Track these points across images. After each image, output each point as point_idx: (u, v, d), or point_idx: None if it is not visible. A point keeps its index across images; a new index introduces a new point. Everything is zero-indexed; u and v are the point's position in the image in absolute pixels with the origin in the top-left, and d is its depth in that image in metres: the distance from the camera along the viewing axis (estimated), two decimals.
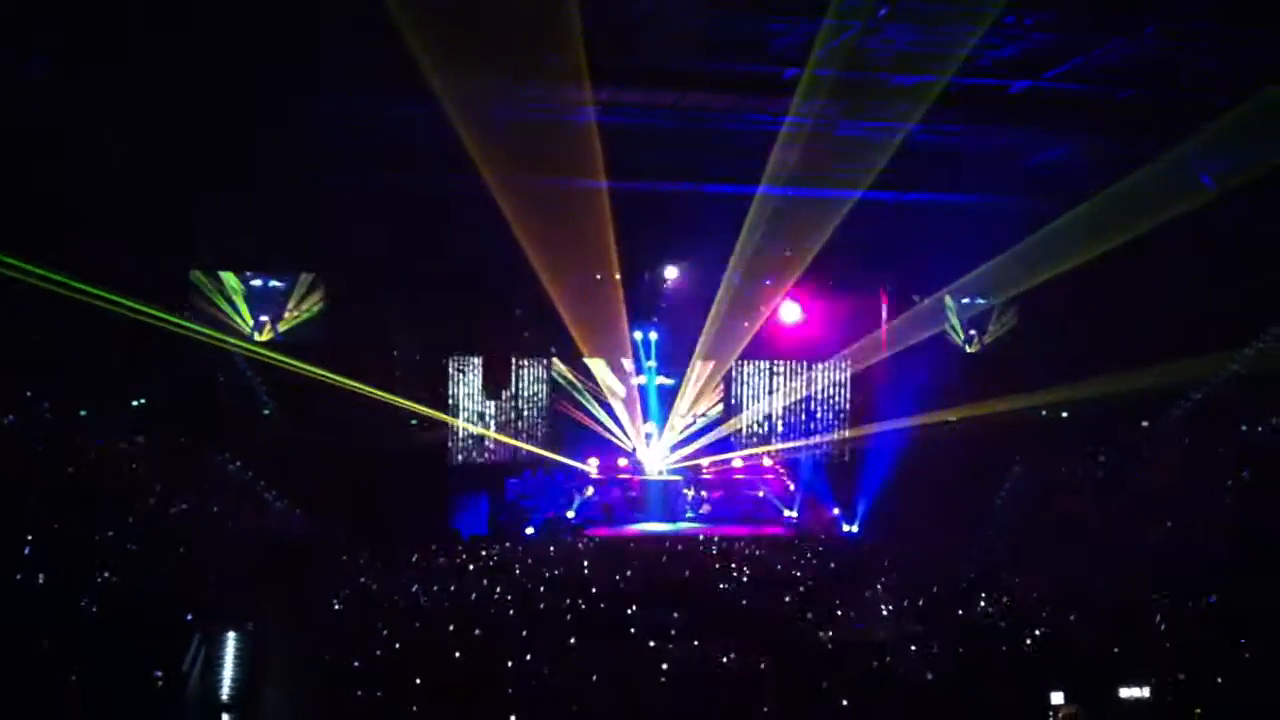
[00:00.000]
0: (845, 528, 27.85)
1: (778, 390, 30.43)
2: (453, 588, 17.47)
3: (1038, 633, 14.71)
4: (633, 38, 16.83)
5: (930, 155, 22.21)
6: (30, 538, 15.17)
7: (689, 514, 28.70)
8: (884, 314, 28.95)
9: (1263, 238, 21.66)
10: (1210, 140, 19.10)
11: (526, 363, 28.79)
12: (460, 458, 27.88)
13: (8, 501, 15.80)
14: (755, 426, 30.43)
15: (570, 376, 29.24)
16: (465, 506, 26.66)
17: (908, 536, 23.51)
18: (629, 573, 18.87)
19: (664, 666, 12.81)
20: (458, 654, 13.25)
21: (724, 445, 30.08)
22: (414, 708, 11.62)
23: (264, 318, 26.10)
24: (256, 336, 25.88)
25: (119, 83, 17.62)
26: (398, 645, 13.67)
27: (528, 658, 12.99)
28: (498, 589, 17.36)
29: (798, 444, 30.43)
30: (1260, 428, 24.34)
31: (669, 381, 29.84)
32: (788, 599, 16.94)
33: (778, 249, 26.21)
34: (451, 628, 14.49)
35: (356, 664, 12.89)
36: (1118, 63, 17.75)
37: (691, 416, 30.02)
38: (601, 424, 29.60)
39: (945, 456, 26.72)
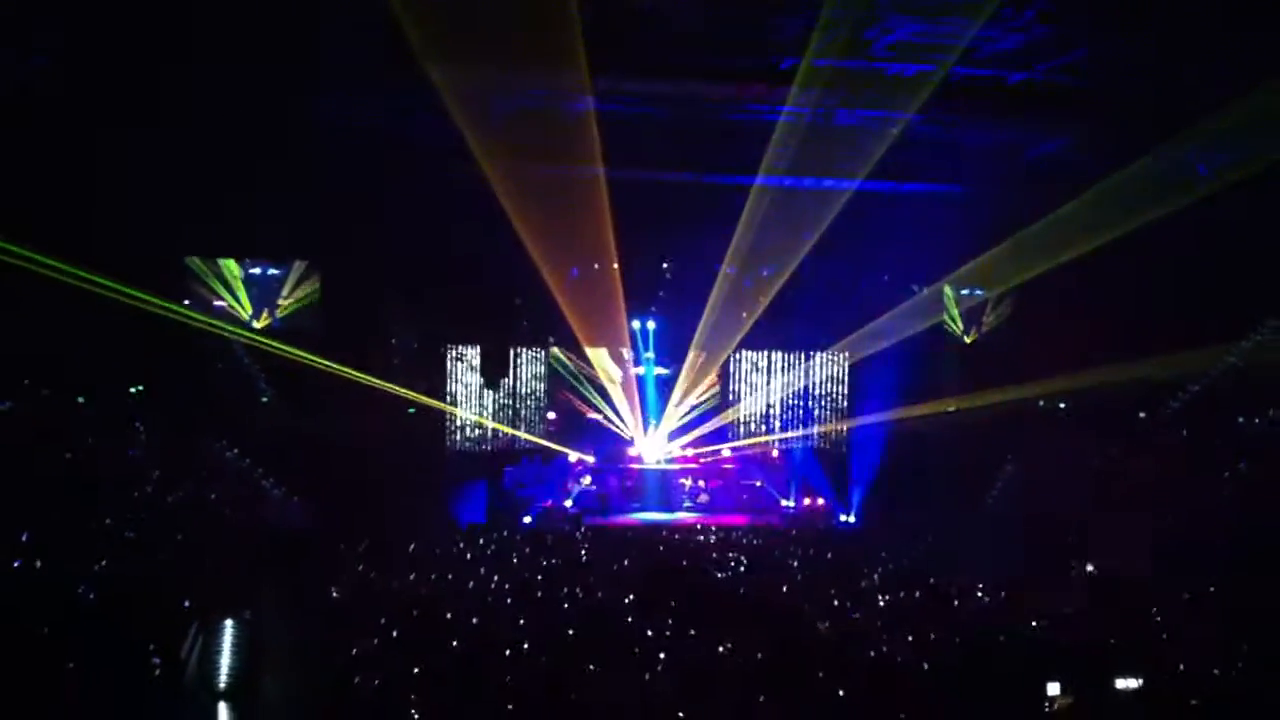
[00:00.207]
0: (842, 518, 27.89)
1: (775, 380, 30.46)
2: (450, 576, 17.48)
3: (1034, 624, 14.73)
4: (631, 28, 16.82)
5: (928, 146, 22.21)
6: (28, 525, 15.17)
7: (686, 503, 28.73)
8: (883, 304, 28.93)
9: (1260, 231, 21.66)
10: (1208, 134, 19.08)
11: (525, 352, 28.82)
12: (458, 446, 27.91)
13: (6, 489, 15.81)
14: (753, 416, 30.46)
15: (568, 365, 29.26)
16: (463, 495, 26.64)
17: (904, 527, 23.51)
18: (626, 562, 18.89)
19: (661, 656, 12.82)
20: (455, 642, 13.27)
21: (722, 435, 30.12)
22: (411, 695, 11.63)
23: (263, 304, 26.10)
24: (255, 324, 25.87)
25: (118, 78, 17.62)
26: (395, 633, 13.68)
27: (525, 646, 13.00)
28: (495, 578, 17.38)
29: (795, 434, 30.47)
30: (1257, 420, 24.37)
31: (665, 371, 29.88)
32: (785, 589, 16.96)
33: (775, 240, 26.19)
34: (449, 616, 14.50)
35: (354, 651, 12.90)
36: (1116, 56, 17.76)
37: (689, 406, 30.03)
38: (599, 413, 29.63)
39: (942, 446, 26.73)
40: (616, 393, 29.55)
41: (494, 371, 28.27)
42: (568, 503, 27.84)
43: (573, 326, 27.33)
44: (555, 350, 29.12)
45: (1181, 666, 12.63)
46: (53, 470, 17.83)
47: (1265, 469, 22.25)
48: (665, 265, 29.03)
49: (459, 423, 27.97)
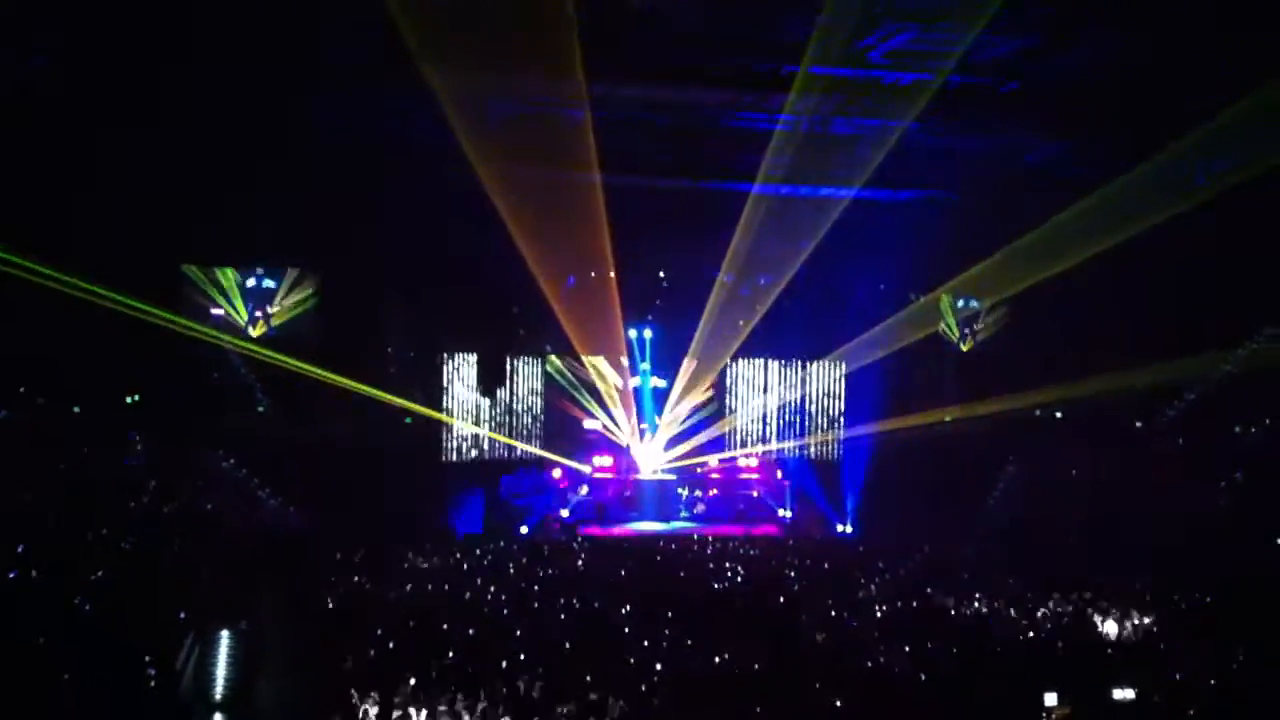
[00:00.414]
0: (839, 528, 27.86)
1: (772, 389, 30.47)
2: (447, 586, 17.45)
3: (1031, 634, 14.73)
4: (628, 33, 16.83)
5: (925, 153, 22.22)
6: (25, 535, 15.15)
7: (683, 513, 28.70)
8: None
9: (1257, 238, 21.68)
10: (1205, 140, 19.09)
11: (522, 361, 28.82)
12: (455, 456, 27.88)
13: (3, 499, 15.79)
14: (749, 426, 30.48)
15: (565, 375, 29.25)
16: (460, 504, 26.60)
17: (902, 536, 23.50)
18: (623, 572, 18.86)
19: (658, 667, 12.80)
20: (451, 653, 13.25)
21: (718, 444, 30.11)
22: (408, 707, 11.61)
23: (258, 313, 26.07)
24: (251, 331, 25.84)
25: (116, 82, 17.62)
26: (391, 644, 13.66)
27: (521, 656, 12.98)
28: (492, 588, 17.35)
29: (791, 443, 30.48)
30: (1254, 429, 24.37)
31: (662, 384, 29.89)
32: (782, 599, 16.94)
33: (773, 247, 26.22)
34: (445, 626, 14.48)
35: (350, 662, 12.88)
36: (1112, 62, 17.78)
37: (686, 415, 30.01)
38: (596, 422, 29.62)
39: (939, 455, 26.72)
40: (613, 402, 29.53)
41: (490, 380, 28.25)
42: (564, 512, 27.81)
43: (569, 335, 27.33)
44: (552, 359, 29.11)
45: (1178, 677, 12.63)
46: (49, 480, 17.80)
47: (1262, 479, 22.23)
48: (662, 274, 29.02)
49: (455, 432, 27.93)
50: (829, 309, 29.34)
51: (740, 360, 30.17)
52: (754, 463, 30.16)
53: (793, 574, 19.46)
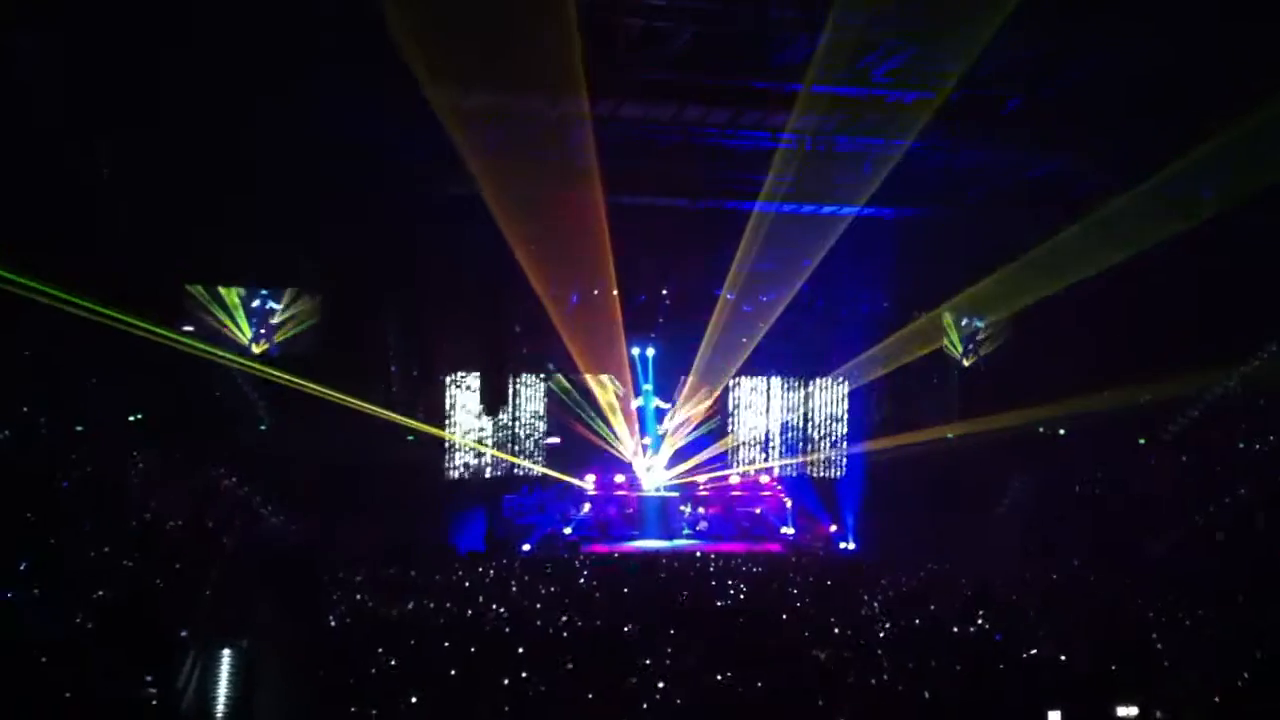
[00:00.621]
0: (842, 544, 27.82)
1: (774, 406, 30.47)
2: (449, 605, 17.42)
3: (1034, 651, 14.68)
4: (632, 52, 16.88)
5: (928, 170, 22.26)
6: (26, 554, 15.11)
7: (686, 531, 28.65)
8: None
9: (1261, 254, 21.67)
10: (1210, 154, 19.09)
11: (524, 379, 28.82)
12: (457, 474, 27.86)
13: (4, 517, 15.76)
14: (752, 443, 30.47)
15: (568, 392, 29.25)
16: (462, 523, 26.58)
17: (905, 553, 23.46)
18: (625, 590, 18.82)
19: (660, 685, 12.77)
20: (453, 672, 13.22)
21: (721, 461, 30.09)
22: None
23: (262, 330, 26.08)
24: (254, 349, 25.85)
25: (118, 98, 17.66)
26: (393, 662, 13.63)
27: (524, 675, 12.95)
28: (494, 606, 17.33)
29: (794, 460, 30.47)
30: (1258, 445, 24.31)
31: (666, 405, 29.91)
32: (785, 616, 16.90)
33: (776, 265, 26.28)
34: (447, 645, 14.44)
35: (352, 681, 12.85)
36: (1117, 77, 17.81)
37: (688, 433, 29.99)
38: (599, 440, 29.59)
39: (942, 472, 26.69)
40: (616, 419, 29.51)
41: (493, 398, 28.24)
42: (567, 530, 27.77)
43: (572, 353, 27.35)
44: (555, 377, 29.11)
45: (1182, 694, 12.58)
46: (51, 499, 17.76)
47: (1266, 494, 22.17)
48: (665, 291, 29.04)
49: (458, 450, 27.91)
50: (832, 326, 29.38)
51: (743, 377, 30.17)
52: (757, 480, 30.14)
53: (795, 590, 19.43)
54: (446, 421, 27.58)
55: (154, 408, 22.80)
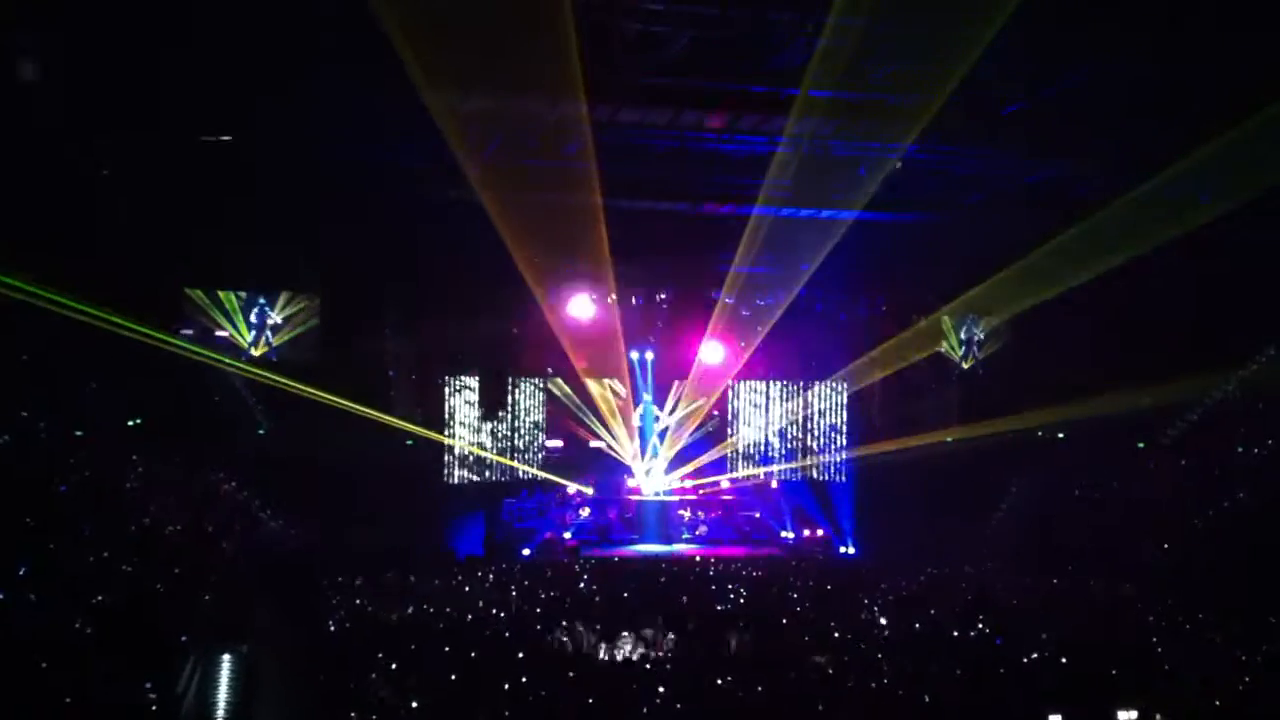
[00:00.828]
0: (842, 548, 27.81)
1: (774, 410, 30.46)
2: (448, 609, 17.41)
3: (1034, 655, 14.67)
4: (629, 57, 16.88)
5: (926, 174, 22.26)
6: (25, 559, 15.09)
7: (685, 535, 28.64)
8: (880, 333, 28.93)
9: (1261, 257, 21.70)
10: (1210, 158, 19.11)
11: (523, 382, 28.80)
12: (456, 478, 27.83)
13: (2, 521, 15.74)
14: (751, 447, 30.45)
15: (567, 396, 29.24)
16: (461, 527, 26.57)
17: (905, 557, 23.46)
18: (625, 595, 18.81)
19: (660, 690, 12.75)
20: (453, 676, 13.20)
21: (720, 465, 30.08)
22: None
23: (261, 334, 26.08)
24: (253, 352, 25.84)
25: (118, 98, 17.65)
26: (394, 667, 13.61)
27: (524, 680, 12.93)
28: (493, 610, 17.31)
29: (794, 464, 30.45)
30: (1257, 449, 24.33)
31: (664, 410, 29.90)
32: (785, 621, 16.89)
33: (773, 269, 26.31)
34: (447, 649, 14.43)
35: (351, 686, 12.83)
36: (1116, 81, 17.81)
37: (687, 437, 29.98)
38: (600, 442, 29.59)
39: (942, 475, 26.68)
40: (615, 423, 29.51)
41: (491, 402, 28.22)
42: (566, 534, 27.75)
43: (570, 357, 27.35)
44: (553, 381, 29.10)
45: (1182, 697, 12.57)
46: (49, 503, 17.74)
47: (1266, 498, 22.19)
48: (662, 295, 29.06)
49: (456, 454, 27.89)
50: (830, 330, 29.39)
51: (742, 381, 30.17)
52: (756, 483, 30.14)
53: (795, 595, 19.42)
54: (445, 425, 27.55)
55: (153, 412, 22.80)
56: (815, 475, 30.36)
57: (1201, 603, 17.14)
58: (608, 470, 29.51)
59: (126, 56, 16.33)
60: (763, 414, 30.47)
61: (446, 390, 27.70)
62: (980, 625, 16.49)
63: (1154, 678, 13.43)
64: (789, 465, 30.40)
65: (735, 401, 30.30)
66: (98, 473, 19.74)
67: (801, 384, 30.47)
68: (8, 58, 16.41)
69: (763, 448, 30.45)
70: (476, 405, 28.07)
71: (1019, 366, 28.66)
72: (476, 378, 28.07)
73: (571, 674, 13.55)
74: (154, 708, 11.68)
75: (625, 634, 15.00)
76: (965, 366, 30.07)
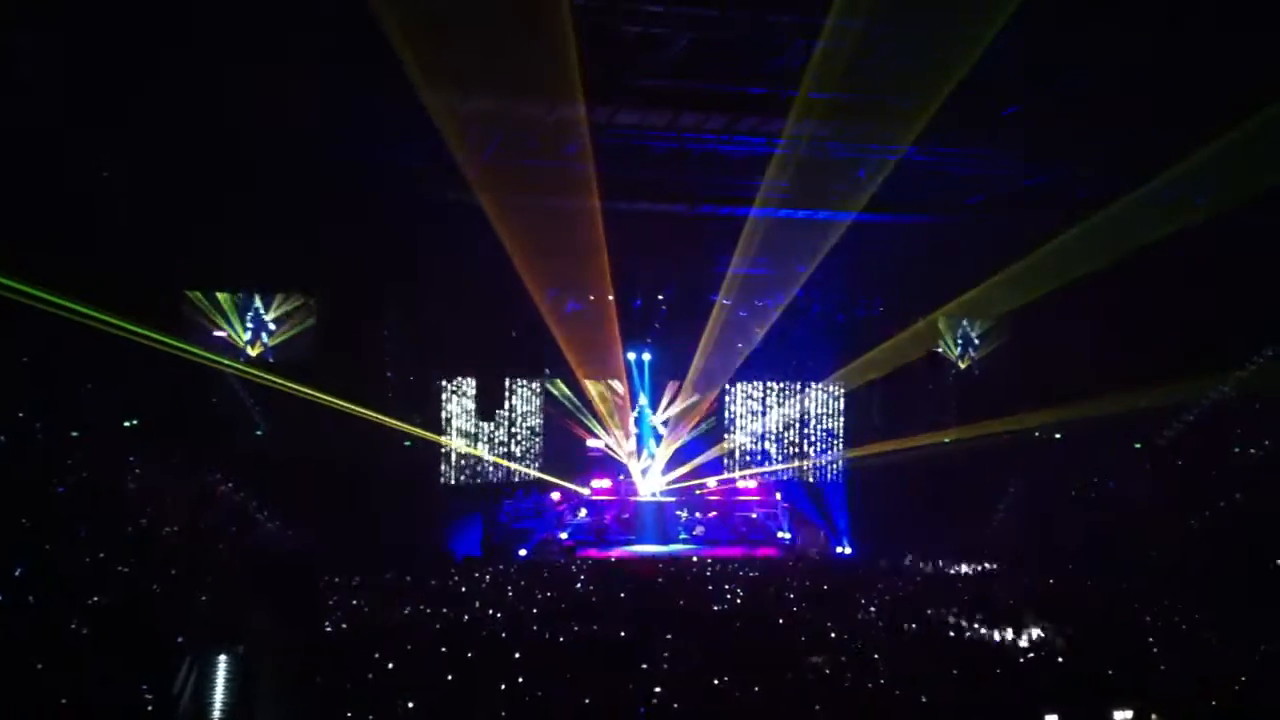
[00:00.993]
0: (838, 549, 27.82)
1: (771, 412, 30.47)
2: (445, 610, 17.41)
3: (1031, 654, 14.69)
4: (628, 59, 16.87)
5: (925, 176, 22.24)
6: (22, 559, 15.10)
7: (682, 536, 28.65)
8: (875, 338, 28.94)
9: (1258, 259, 21.70)
10: (1205, 160, 19.11)
11: (520, 384, 28.79)
12: (453, 479, 27.83)
13: (0, 522, 15.75)
14: (748, 448, 30.46)
15: (565, 397, 29.24)
16: (459, 528, 26.58)
17: (901, 557, 23.47)
18: (622, 595, 18.82)
19: (657, 690, 12.76)
20: (450, 677, 13.20)
21: (717, 466, 30.08)
22: None
23: (258, 335, 26.07)
24: (250, 353, 25.83)
25: (118, 98, 17.65)
26: (390, 667, 13.61)
27: (520, 680, 12.93)
28: (490, 611, 17.31)
29: (791, 465, 30.46)
30: (1253, 450, 24.35)
31: (661, 412, 29.90)
32: (781, 621, 16.90)
33: (771, 270, 26.29)
34: (444, 650, 14.43)
35: (348, 687, 12.83)
36: (1114, 83, 17.81)
37: (684, 438, 29.99)
38: (598, 443, 29.59)
39: (938, 476, 26.70)
40: (612, 424, 29.52)
41: (489, 404, 28.21)
42: (563, 535, 27.75)
43: (569, 358, 27.35)
44: (552, 382, 29.10)
45: (1178, 696, 12.59)
46: (47, 504, 17.74)
47: (1262, 499, 22.21)
48: (661, 297, 29.06)
49: (454, 455, 27.89)
50: (828, 331, 29.40)
51: (739, 382, 30.17)
52: (753, 484, 30.15)
53: (792, 595, 19.43)
54: (443, 426, 27.54)
55: (150, 413, 22.77)
56: (812, 476, 30.34)
57: (1197, 603, 17.16)
58: (604, 471, 29.53)
59: (126, 56, 16.32)
60: (760, 415, 30.46)
61: (444, 392, 27.69)
62: (976, 625, 16.52)
63: (1150, 677, 13.45)
64: (786, 466, 30.40)
65: (733, 403, 30.28)
66: (95, 474, 19.74)
67: (799, 385, 30.47)
68: (8, 57, 16.40)
69: (759, 448, 30.44)
70: (474, 406, 28.05)
71: (1016, 367, 28.66)
72: (474, 379, 28.06)
73: (565, 665, 13.59)
74: (150, 708, 11.69)
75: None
76: (962, 367, 30.07)
